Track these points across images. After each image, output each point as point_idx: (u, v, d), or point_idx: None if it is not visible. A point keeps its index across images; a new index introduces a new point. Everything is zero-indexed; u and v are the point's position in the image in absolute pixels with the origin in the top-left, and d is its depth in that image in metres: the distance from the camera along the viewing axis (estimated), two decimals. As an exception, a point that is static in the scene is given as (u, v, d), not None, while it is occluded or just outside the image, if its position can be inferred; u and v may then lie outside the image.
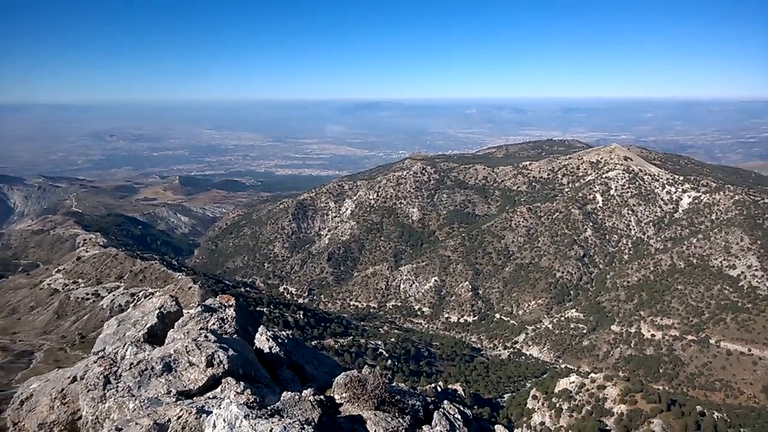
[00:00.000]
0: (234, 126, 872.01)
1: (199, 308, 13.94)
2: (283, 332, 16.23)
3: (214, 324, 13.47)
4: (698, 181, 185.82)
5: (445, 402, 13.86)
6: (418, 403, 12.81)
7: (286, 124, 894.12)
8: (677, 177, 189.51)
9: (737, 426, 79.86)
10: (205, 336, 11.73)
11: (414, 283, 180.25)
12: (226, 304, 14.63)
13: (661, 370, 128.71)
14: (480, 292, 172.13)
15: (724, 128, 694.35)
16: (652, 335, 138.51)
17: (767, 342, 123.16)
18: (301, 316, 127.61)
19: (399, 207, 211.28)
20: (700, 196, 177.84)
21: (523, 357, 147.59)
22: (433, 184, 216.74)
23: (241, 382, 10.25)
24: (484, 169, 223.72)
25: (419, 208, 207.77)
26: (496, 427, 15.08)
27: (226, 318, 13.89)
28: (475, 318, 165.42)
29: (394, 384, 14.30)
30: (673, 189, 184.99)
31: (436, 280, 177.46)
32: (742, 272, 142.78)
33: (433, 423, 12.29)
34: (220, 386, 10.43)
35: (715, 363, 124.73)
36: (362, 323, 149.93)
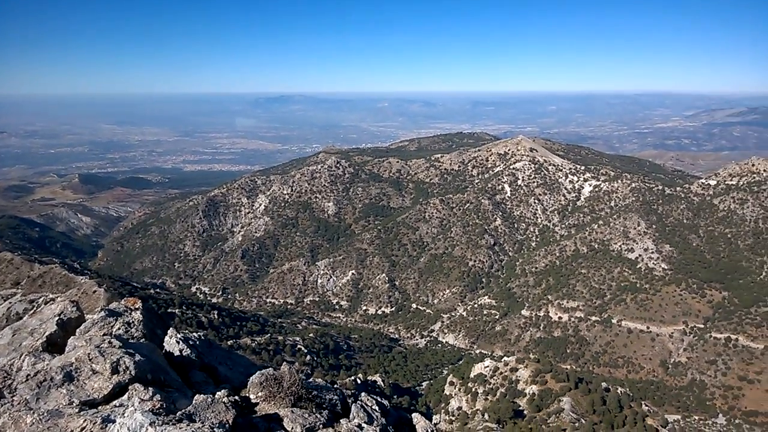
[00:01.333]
0: (137, 121, 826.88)
1: (103, 313, 13.23)
2: (194, 333, 15.75)
3: (119, 329, 12.84)
4: (598, 170, 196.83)
5: (363, 394, 13.94)
6: (336, 397, 12.81)
7: (194, 119, 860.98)
8: (579, 167, 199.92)
9: (639, 399, 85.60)
10: (109, 342, 11.16)
11: (331, 277, 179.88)
12: (131, 307, 13.97)
13: (568, 351, 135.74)
14: (396, 283, 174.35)
15: (621, 120, 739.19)
16: (560, 318, 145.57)
17: (664, 320, 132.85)
18: (216, 316, 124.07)
19: (314, 201, 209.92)
20: (600, 184, 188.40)
21: (440, 345, 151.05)
22: (348, 178, 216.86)
23: (150, 388, 9.83)
24: (397, 162, 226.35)
25: (335, 202, 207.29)
26: (413, 415, 15.32)
27: (132, 322, 13.28)
28: (393, 309, 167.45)
29: (311, 380, 14.21)
30: (576, 178, 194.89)
31: (353, 274, 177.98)
32: (640, 255, 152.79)
33: (350, 416, 12.33)
34: (127, 393, 9.96)
35: (618, 341, 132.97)
36: (279, 320, 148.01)
